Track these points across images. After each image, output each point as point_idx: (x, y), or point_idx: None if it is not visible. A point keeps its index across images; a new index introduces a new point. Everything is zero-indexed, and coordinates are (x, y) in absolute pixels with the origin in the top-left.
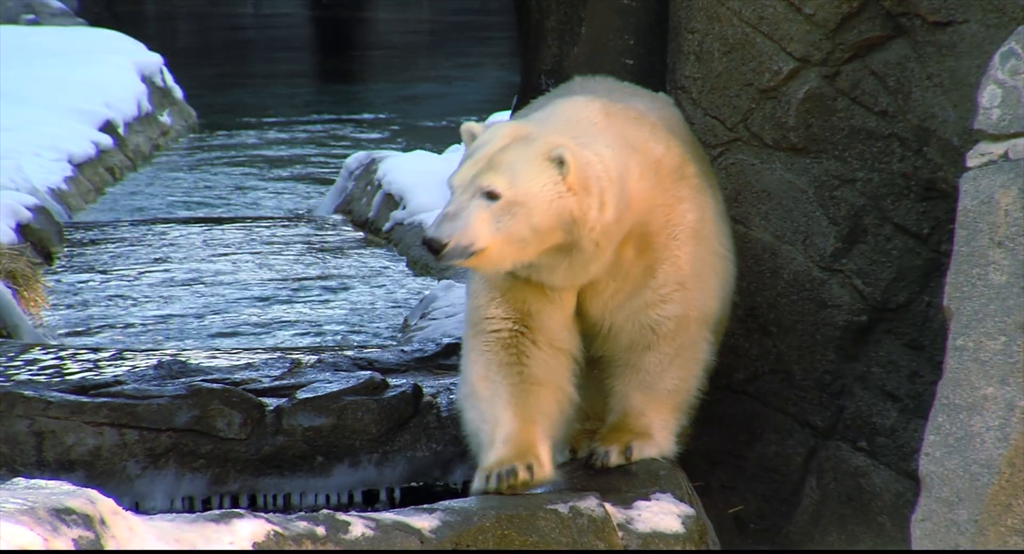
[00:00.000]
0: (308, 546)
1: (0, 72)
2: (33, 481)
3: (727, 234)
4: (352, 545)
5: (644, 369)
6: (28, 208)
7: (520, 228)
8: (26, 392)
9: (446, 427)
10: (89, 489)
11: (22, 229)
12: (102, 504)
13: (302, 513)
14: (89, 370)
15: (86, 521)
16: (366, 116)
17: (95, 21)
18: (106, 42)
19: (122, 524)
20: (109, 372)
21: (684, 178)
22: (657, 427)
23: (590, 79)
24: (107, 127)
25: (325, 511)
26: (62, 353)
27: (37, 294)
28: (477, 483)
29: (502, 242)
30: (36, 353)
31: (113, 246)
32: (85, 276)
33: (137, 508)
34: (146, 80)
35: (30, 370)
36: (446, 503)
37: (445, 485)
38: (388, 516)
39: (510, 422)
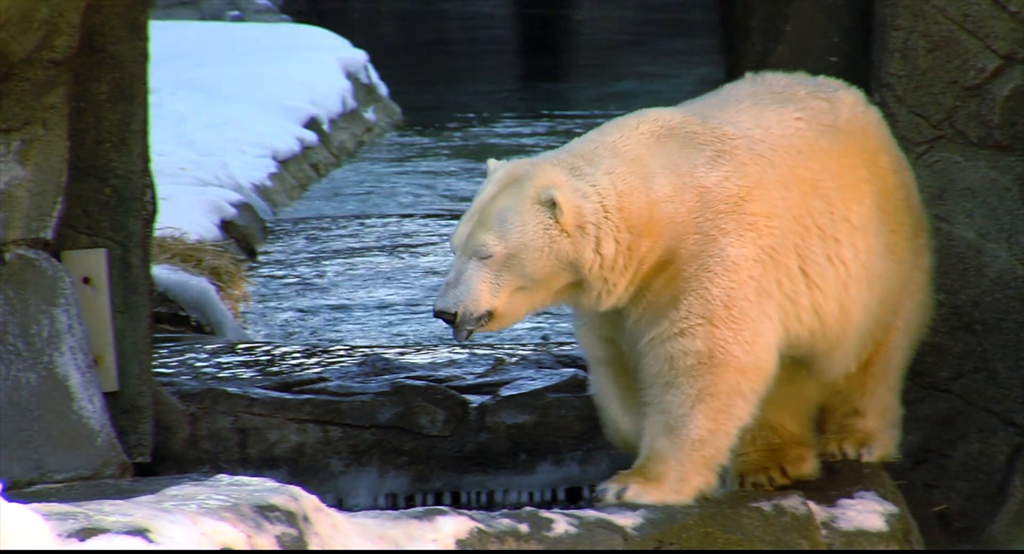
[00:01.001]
0: (511, 543)
1: (206, 69)
2: (236, 478)
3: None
4: (555, 543)
5: (666, 409)
6: (232, 205)
7: (519, 279)
8: (229, 389)
9: None
10: (292, 486)
11: (226, 226)
12: (305, 501)
13: (505, 510)
14: (292, 367)
15: (289, 518)
16: (569, 113)
17: (299, 17)
18: (311, 39)
19: (325, 521)
20: (312, 369)
21: (739, 213)
22: (672, 477)
23: (766, 75)
24: (311, 124)
25: (528, 508)
26: (265, 350)
27: (240, 291)
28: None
29: (507, 297)
30: (239, 350)
31: (316, 242)
32: (288, 272)
33: (340, 505)
34: (350, 77)
35: (233, 367)
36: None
37: None
38: (591, 514)
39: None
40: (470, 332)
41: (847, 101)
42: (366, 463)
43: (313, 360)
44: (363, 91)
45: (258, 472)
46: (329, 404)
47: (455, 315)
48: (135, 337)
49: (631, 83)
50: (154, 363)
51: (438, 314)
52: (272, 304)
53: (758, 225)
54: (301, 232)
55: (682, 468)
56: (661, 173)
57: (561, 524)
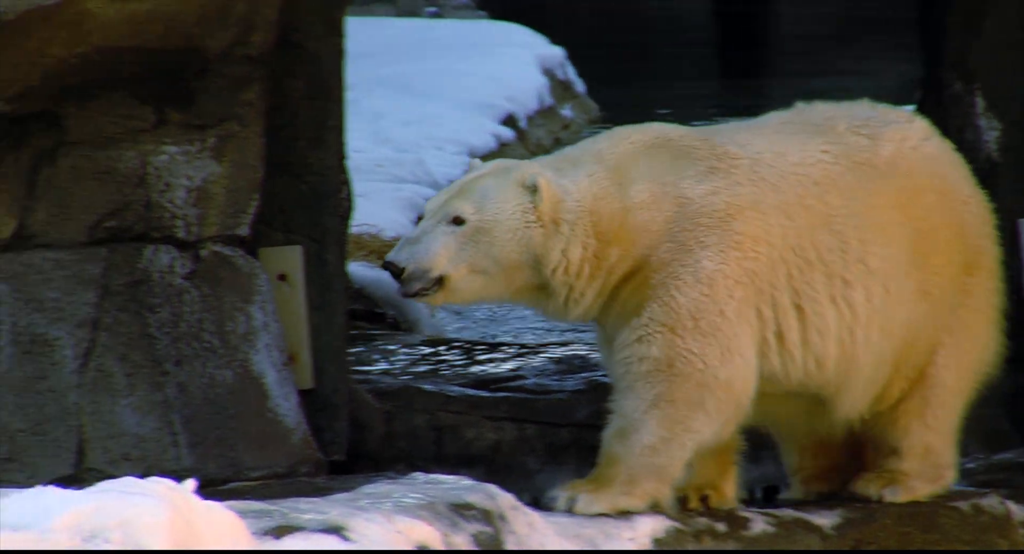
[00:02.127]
0: (708, 542)
1: (403, 66)
2: (432, 476)
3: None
4: (752, 542)
5: (623, 414)
6: (427, 201)
7: (482, 257)
8: (425, 387)
9: None
10: (488, 484)
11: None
12: (502, 499)
13: (701, 509)
14: (488, 364)
15: (485, 516)
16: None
17: (497, 14)
18: (508, 35)
19: (522, 520)
20: (508, 366)
21: (724, 230)
22: (620, 480)
23: (816, 105)
24: (508, 120)
25: (725, 507)
26: (460, 347)
27: None
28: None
29: (465, 272)
30: (436, 347)
31: None
32: None
33: (536, 503)
34: (547, 73)
35: (429, 364)
36: (847, 500)
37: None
38: (788, 513)
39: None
40: (417, 294)
41: (894, 138)
42: (562, 461)
43: (509, 357)
44: (560, 88)
45: (454, 470)
46: (525, 402)
47: (402, 270)
48: (331, 334)
49: (830, 80)
50: (350, 360)
51: (385, 265)
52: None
53: (744, 246)
54: None
55: (631, 472)
56: (639, 181)
57: (759, 523)
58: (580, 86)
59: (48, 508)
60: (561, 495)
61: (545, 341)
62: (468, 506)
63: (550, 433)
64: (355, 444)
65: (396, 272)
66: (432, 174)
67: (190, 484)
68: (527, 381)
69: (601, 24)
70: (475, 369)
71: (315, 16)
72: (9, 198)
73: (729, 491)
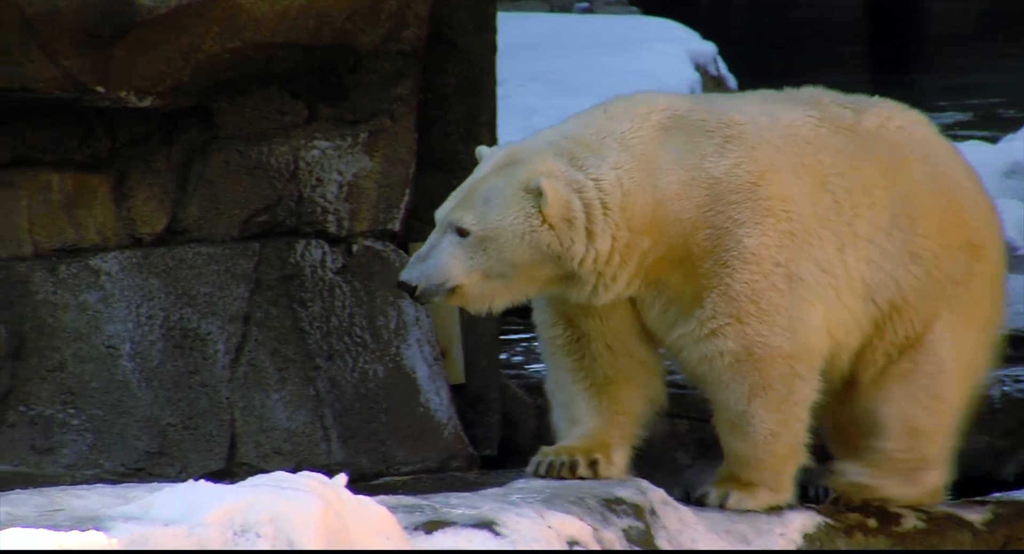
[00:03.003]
0: (859, 538)
1: (554, 61)
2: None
3: (845, 268)
4: (902, 537)
5: (725, 407)
6: None
7: (493, 264)
8: None
9: (998, 419)
10: (639, 479)
11: None
12: (652, 494)
13: (853, 505)
14: None
15: (635, 511)
16: (919, 106)
17: (648, 9)
18: (660, 30)
19: (672, 515)
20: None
21: (754, 200)
22: (764, 480)
23: (804, 88)
24: None
25: (877, 503)
26: None
27: None
28: (529, 466)
29: (479, 279)
30: None
31: None
32: None
33: (687, 499)
34: (699, 69)
35: None
36: (998, 496)
37: (993, 477)
38: (940, 509)
39: (588, 420)
40: (428, 300)
41: (879, 116)
42: (713, 456)
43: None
44: (711, 84)
45: None
46: (676, 397)
47: (415, 289)
48: (482, 330)
49: (982, 75)
50: (501, 356)
51: (400, 285)
52: None
53: (775, 210)
54: None
55: (767, 468)
56: (669, 169)
57: (910, 519)
58: (731, 82)
59: (199, 502)
60: (712, 491)
61: None
62: (619, 501)
63: (700, 428)
64: (506, 439)
65: (409, 291)
66: None
67: (341, 479)
68: (678, 376)
69: (752, 19)
70: None
71: (467, 12)
72: (161, 193)
73: (620, 460)
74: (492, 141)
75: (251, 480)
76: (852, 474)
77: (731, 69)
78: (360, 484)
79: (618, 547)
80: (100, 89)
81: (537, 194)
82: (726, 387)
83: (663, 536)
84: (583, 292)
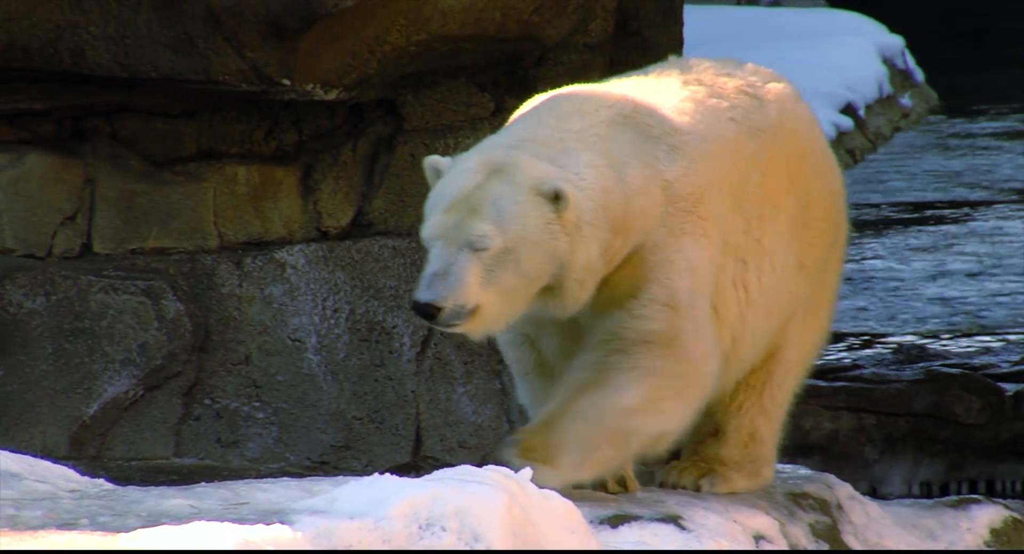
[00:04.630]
0: None
1: (741, 54)
2: (778, 466)
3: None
4: None
5: (604, 368)
6: None
7: (511, 278)
8: None
9: None
10: (825, 474)
11: None
12: (839, 489)
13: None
14: (826, 354)
15: (822, 506)
16: None
17: (835, 2)
18: (847, 24)
19: (858, 509)
20: (846, 356)
21: (696, 214)
22: (577, 446)
23: (690, 61)
24: (846, 109)
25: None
26: None
27: None
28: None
29: (494, 296)
30: None
31: (856, 231)
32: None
33: (873, 493)
34: (886, 62)
35: None
36: None
37: None
38: None
39: None
40: (447, 326)
41: (775, 97)
42: (900, 451)
43: (846, 347)
44: (899, 77)
45: (791, 460)
46: (863, 392)
47: (441, 310)
48: None
49: None
50: None
51: (423, 306)
52: None
53: (709, 233)
54: None
55: (593, 436)
56: (630, 164)
57: None
58: (918, 75)
59: (384, 496)
60: (514, 458)
61: (882, 331)
62: (805, 495)
63: (887, 423)
64: None
65: (434, 312)
66: None
67: (526, 472)
68: (864, 370)
69: (941, 12)
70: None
71: (654, 4)
72: (347, 185)
73: (629, 469)
74: None
75: (436, 474)
76: (702, 487)
77: (918, 62)
78: None
79: (803, 542)
80: (286, 82)
81: (553, 198)
82: (626, 356)
83: (849, 531)
84: (557, 304)
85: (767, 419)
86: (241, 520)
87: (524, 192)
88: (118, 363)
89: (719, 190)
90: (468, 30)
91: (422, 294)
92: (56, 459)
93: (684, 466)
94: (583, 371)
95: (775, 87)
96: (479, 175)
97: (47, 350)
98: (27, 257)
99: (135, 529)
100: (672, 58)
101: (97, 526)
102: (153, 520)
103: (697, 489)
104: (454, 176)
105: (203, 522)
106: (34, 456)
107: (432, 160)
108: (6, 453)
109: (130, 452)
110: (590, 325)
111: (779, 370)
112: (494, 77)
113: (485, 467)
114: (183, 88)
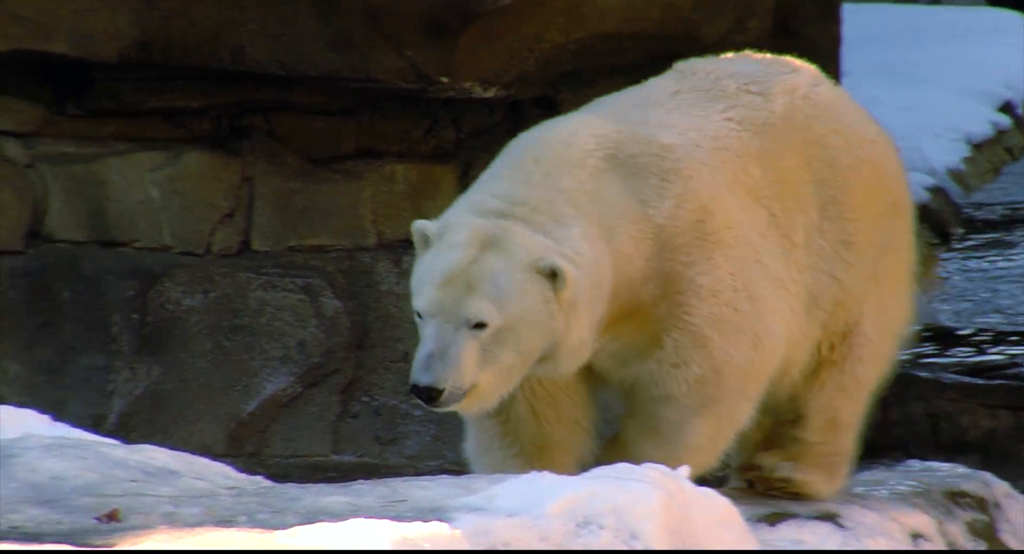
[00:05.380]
0: None
1: (899, 52)
2: (927, 464)
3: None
4: None
5: (663, 417)
6: (926, 189)
7: (508, 356)
8: (921, 374)
9: None
10: (983, 472)
11: (920, 210)
12: (996, 487)
13: None
14: (983, 352)
15: (979, 505)
16: None
17: (996, 2)
18: (1007, 23)
19: (1016, 508)
20: (1003, 354)
21: (700, 237)
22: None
23: (695, 64)
24: (1005, 107)
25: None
26: (955, 334)
27: (933, 275)
28: None
29: (491, 374)
30: (929, 335)
31: (1007, 228)
32: (980, 257)
33: None
34: None
35: (924, 352)
36: None
37: None
38: None
39: None
40: (448, 407)
41: (783, 89)
42: None
43: (1004, 345)
44: None
45: (949, 458)
46: (1022, 390)
47: (440, 392)
48: None
49: None
50: None
51: (423, 390)
52: (963, 288)
53: (723, 241)
54: (993, 216)
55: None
56: (618, 226)
57: None
58: None
59: (542, 493)
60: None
61: None
62: (963, 494)
63: None
64: None
65: (431, 397)
66: (929, 161)
67: (684, 470)
68: (1022, 369)
69: None
70: (970, 357)
71: (812, 2)
72: None
73: None
74: None
75: (593, 471)
76: (779, 469)
77: None
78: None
79: (961, 541)
80: (444, 80)
81: (550, 276)
82: (675, 403)
83: (1006, 530)
84: (551, 370)
85: (848, 400)
86: (399, 517)
87: (522, 269)
88: (276, 360)
89: (728, 193)
90: (627, 28)
91: (421, 377)
92: (214, 456)
93: (773, 452)
94: (635, 422)
95: (786, 78)
96: (472, 249)
97: (205, 347)
98: (185, 254)
99: (293, 526)
100: (677, 65)
101: (255, 523)
102: (311, 517)
103: (773, 471)
104: (446, 248)
105: (361, 519)
106: (192, 453)
107: (420, 225)
108: (164, 450)
109: (288, 449)
110: (613, 360)
111: (859, 344)
112: (652, 75)
113: (643, 465)
114: (341, 86)
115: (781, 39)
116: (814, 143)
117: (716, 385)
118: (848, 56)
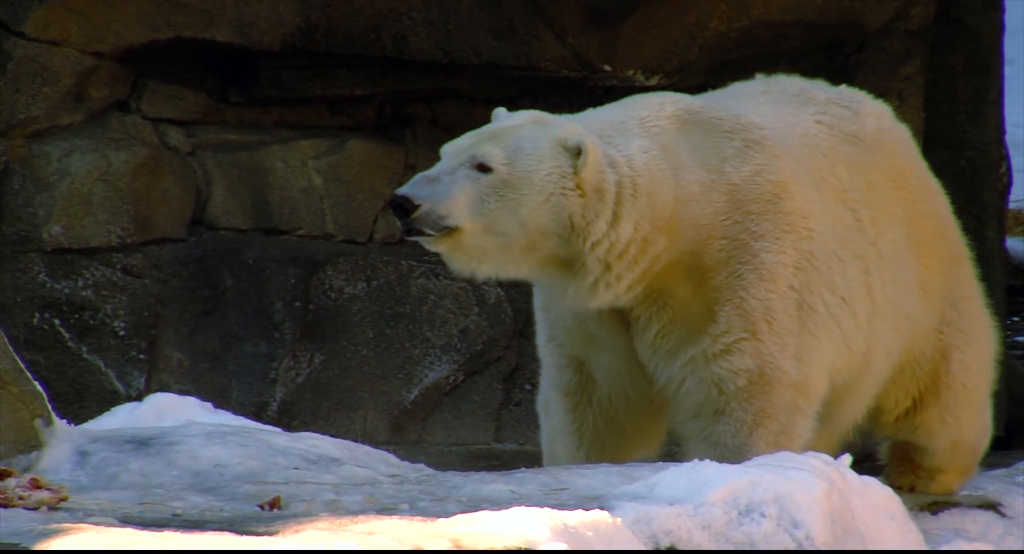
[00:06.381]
0: None
1: None
2: None
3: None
4: None
5: (719, 442)
6: None
7: (505, 216)
8: None
9: None
10: None
11: None
12: None
13: None
14: None
15: None
16: None
17: None
18: None
19: None
20: None
21: (775, 213)
22: None
23: (779, 77)
24: None
25: None
26: None
27: None
28: None
29: (481, 228)
30: None
31: None
32: None
33: None
34: None
35: None
36: None
37: None
38: None
39: None
40: (419, 233)
41: (872, 113)
42: None
43: None
44: None
45: None
46: None
47: (416, 207)
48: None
49: None
50: (1008, 334)
51: (399, 199)
52: None
53: (796, 226)
54: None
55: None
56: (689, 167)
57: None
58: None
59: (704, 482)
60: None
61: None
62: None
63: None
64: (1013, 420)
65: (408, 208)
66: None
67: (845, 459)
68: None
69: None
70: None
71: None
72: None
73: None
74: (999, 120)
75: (755, 460)
76: (916, 487)
77: None
78: (863, 465)
79: None
80: (607, 68)
81: (575, 153)
82: (729, 416)
83: None
84: (581, 286)
85: (968, 424)
86: (560, 506)
87: (549, 139)
88: (439, 348)
89: (811, 185)
90: (789, 16)
91: (403, 189)
92: (376, 444)
93: (900, 471)
94: (700, 449)
95: (873, 104)
96: (521, 121)
97: (368, 335)
98: (348, 242)
99: (455, 514)
100: (759, 77)
101: (417, 511)
102: (473, 505)
103: (911, 489)
104: (502, 119)
105: (522, 508)
106: (354, 441)
107: (497, 111)
108: (327, 438)
109: (450, 437)
110: (670, 345)
111: (956, 399)
112: (815, 63)
113: (805, 454)
114: (504, 74)
115: (943, 27)
116: (900, 175)
117: (765, 394)
118: (1011, 44)
